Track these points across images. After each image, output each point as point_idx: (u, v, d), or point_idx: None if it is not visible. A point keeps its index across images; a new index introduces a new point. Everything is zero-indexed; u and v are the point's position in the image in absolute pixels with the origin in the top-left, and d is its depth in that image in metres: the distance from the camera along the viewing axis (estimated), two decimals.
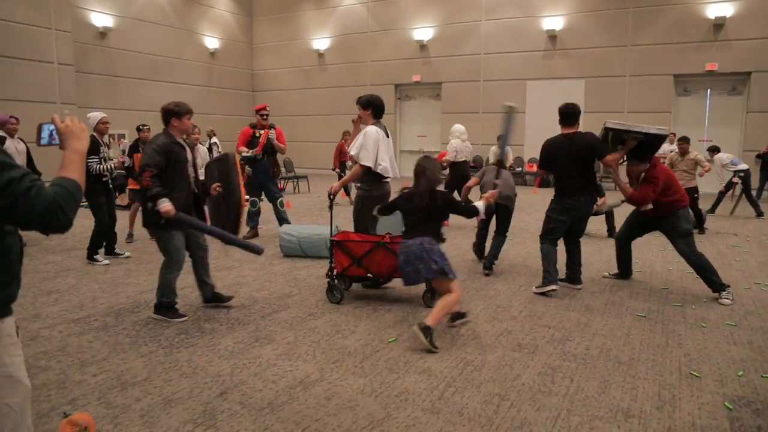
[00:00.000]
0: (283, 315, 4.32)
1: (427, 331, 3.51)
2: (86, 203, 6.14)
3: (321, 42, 19.87)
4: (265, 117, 7.37)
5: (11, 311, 1.62)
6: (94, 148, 5.97)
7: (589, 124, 15.75)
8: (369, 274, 4.64)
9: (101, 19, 15.84)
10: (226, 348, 3.63)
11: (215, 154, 12.91)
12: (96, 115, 6.23)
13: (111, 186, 6.47)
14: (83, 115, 15.31)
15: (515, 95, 16.68)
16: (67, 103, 14.24)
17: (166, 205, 3.82)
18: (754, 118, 14.09)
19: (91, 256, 6.07)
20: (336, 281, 4.64)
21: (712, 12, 14.14)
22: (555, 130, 5.31)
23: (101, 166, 6.03)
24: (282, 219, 7.42)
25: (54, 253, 6.55)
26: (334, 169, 12.49)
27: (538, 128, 17.00)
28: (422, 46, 18.02)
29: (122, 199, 10.64)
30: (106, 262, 6.06)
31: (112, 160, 6.34)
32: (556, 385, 3.10)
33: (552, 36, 16.11)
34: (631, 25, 15.20)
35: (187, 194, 4.12)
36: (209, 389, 3.03)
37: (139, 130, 7.45)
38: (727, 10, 14.02)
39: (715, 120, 14.86)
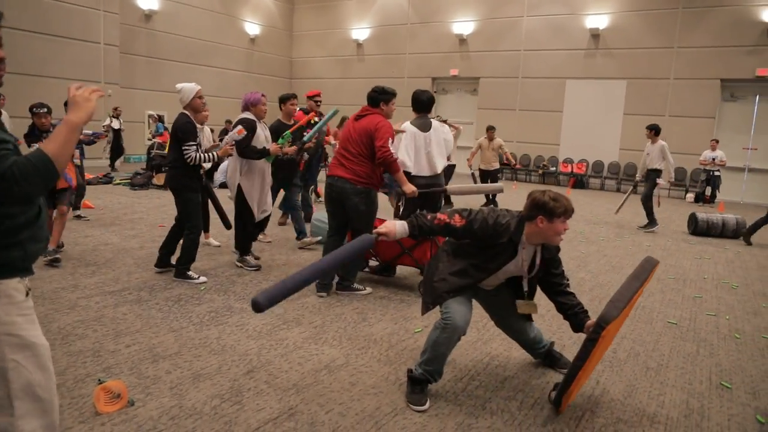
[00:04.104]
0: (311, 300, 4.38)
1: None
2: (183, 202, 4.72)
3: (360, 32, 19.89)
4: (318, 104, 7.18)
5: (12, 274, 1.62)
6: (188, 132, 4.48)
7: (628, 126, 15.48)
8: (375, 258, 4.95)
9: (147, 2, 16.16)
10: (255, 328, 3.70)
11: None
12: (190, 87, 4.60)
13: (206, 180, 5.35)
14: (126, 94, 15.75)
15: (554, 93, 16.45)
16: (111, 83, 14.64)
17: None
18: None
19: (182, 273, 4.69)
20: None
21: (767, 15, 13.62)
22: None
23: (198, 154, 4.50)
24: (309, 206, 7.33)
25: (93, 227, 6.76)
26: None
27: (576, 128, 16.76)
28: (462, 40, 17.87)
29: (159, 179, 10.90)
30: (204, 279, 4.72)
31: (218, 146, 5.29)
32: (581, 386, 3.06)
33: (595, 34, 15.76)
34: (679, 26, 14.75)
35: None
36: (237, 367, 3.10)
37: (32, 113, 5.61)
38: None
39: (763, 127, 14.35)
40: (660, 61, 15.03)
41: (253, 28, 19.84)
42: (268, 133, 5.18)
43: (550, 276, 2.93)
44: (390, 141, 4.27)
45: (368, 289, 4.63)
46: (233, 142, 4.85)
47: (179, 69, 17.26)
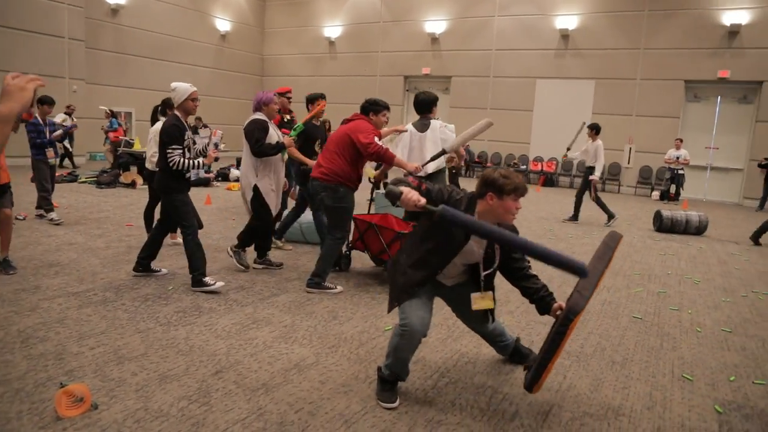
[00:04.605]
0: (281, 299, 4.34)
1: None
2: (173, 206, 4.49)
3: (332, 30, 19.81)
4: (290, 100, 6.69)
5: None
6: (176, 134, 4.31)
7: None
8: (366, 251, 5.13)
9: None
10: (224, 328, 3.66)
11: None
12: (184, 88, 4.36)
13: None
14: (92, 90, 15.37)
15: (525, 93, 16.66)
16: (76, 79, 14.28)
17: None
18: (763, 127, 14.03)
19: (198, 282, 4.40)
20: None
21: (728, 19, 14.04)
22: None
23: (182, 159, 4.30)
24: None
25: (56, 227, 6.59)
26: None
27: (546, 127, 17.01)
28: (434, 39, 17.96)
29: (126, 177, 10.67)
30: (221, 283, 4.49)
31: (201, 154, 4.75)
32: (548, 380, 3.11)
33: (565, 35, 16.02)
34: (645, 28, 15.10)
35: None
36: (205, 367, 3.06)
37: None
38: (742, 18, 13.93)
39: (724, 128, 14.80)
40: (627, 62, 15.36)
41: (223, 24, 19.60)
42: (280, 133, 5.04)
43: (510, 261, 2.85)
44: (376, 138, 4.42)
45: (339, 288, 4.61)
46: (216, 148, 4.76)
47: (147, 65, 16.95)
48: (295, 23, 20.71)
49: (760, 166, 13.47)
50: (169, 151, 4.30)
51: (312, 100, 5.98)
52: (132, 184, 10.43)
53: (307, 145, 5.80)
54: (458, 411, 2.72)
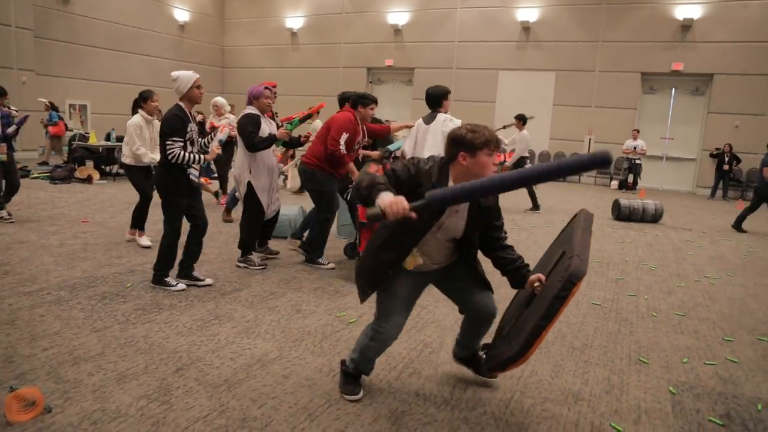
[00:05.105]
0: (244, 294, 4.29)
1: None
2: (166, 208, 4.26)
3: (294, 21, 19.55)
4: (275, 94, 6.56)
5: None
6: (178, 125, 4.04)
7: (558, 117, 16.05)
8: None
9: None
10: (185, 325, 3.58)
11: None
12: (187, 76, 4.08)
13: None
14: (43, 82, 14.79)
15: (487, 84, 16.81)
16: (24, 69, 13.73)
17: None
18: (714, 118, 14.55)
19: (159, 279, 4.30)
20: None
21: (681, 13, 14.46)
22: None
23: (182, 153, 4.03)
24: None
25: (6, 224, 6.33)
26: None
27: (508, 119, 17.17)
28: (397, 30, 17.92)
29: (81, 172, 10.33)
30: (182, 286, 4.30)
31: (205, 149, 4.43)
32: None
33: (526, 27, 16.22)
34: (603, 21, 15.42)
35: None
36: (165, 365, 2.99)
37: None
38: (695, 12, 14.36)
39: (678, 118, 15.28)
40: (586, 55, 15.67)
41: (182, 15, 19.10)
42: (273, 128, 4.95)
43: (490, 229, 2.60)
44: (343, 135, 4.72)
45: (331, 264, 4.83)
46: (219, 144, 4.47)
47: (103, 56, 16.40)
48: (255, 14, 20.35)
49: (711, 156, 13.98)
50: (169, 143, 3.99)
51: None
52: (88, 179, 10.10)
53: None
54: (422, 401, 2.74)
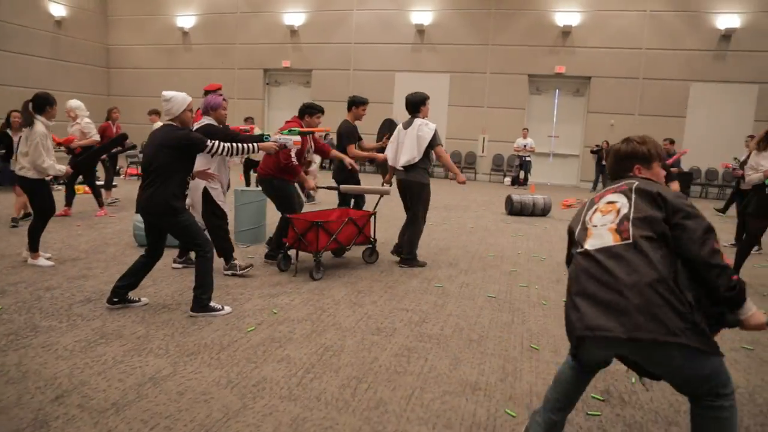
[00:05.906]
0: (133, 308, 4.02)
1: None
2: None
3: (186, 19, 18.74)
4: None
5: None
6: (201, 134, 4.18)
7: (453, 117, 16.66)
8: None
9: None
10: (66, 347, 3.30)
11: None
12: (181, 98, 3.98)
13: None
14: None
15: (384, 86, 17.08)
16: None
17: None
18: (593, 117, 15.80)
19: (204, 305, 3.97)
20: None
21: (561, 20, 15.55)
22: None
23: (226, 145, 4.11)
24: None
25: None
26: None
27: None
28: (293, 31, 17.73)
29: None
30: (229, 309, 4.05)
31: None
32: (411, 365, 3.23)
33: (420, 30, 16.67)
34: (492, 26, 16.21)
35: None
36: (42, 394, 2.73)
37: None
38: (573, 20, 15.51)
39: (562, 118, 16.42)
40: (477, 57, 16.40)
41: (58, 9, 17.65)
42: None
43: None
44: (295, 149, 5.01)
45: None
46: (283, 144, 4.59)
47: None
48: (142, 11, 19.26)
49: (592, 152, 15.14)
50: (210, 143, 3.96)
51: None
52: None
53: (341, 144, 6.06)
54: (323, 406, 2.72)
